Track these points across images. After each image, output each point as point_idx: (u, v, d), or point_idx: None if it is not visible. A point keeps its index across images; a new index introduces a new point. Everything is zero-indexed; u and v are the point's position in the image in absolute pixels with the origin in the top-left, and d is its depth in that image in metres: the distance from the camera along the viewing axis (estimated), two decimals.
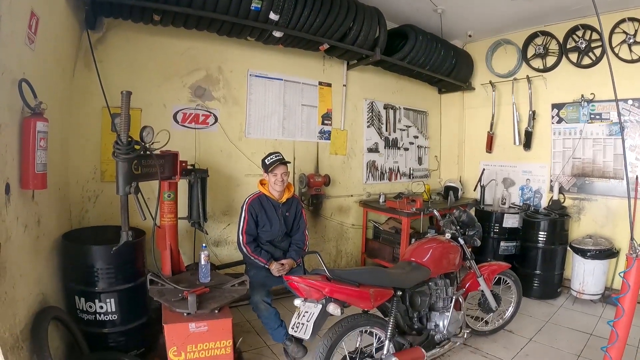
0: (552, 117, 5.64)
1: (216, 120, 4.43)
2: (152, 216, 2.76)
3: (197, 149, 4.28)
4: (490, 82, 6.21)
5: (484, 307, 3.89)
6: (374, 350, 2.87)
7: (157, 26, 3.77)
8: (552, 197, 5.45)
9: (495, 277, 3.94)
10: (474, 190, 6.37)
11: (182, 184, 3.51)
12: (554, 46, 5.53)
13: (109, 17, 3.63)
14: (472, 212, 5.50)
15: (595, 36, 5.08)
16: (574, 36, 5.28)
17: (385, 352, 2.79)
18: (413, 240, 4.12)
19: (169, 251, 3.24)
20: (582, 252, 4.75)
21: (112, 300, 3.03)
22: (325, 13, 4.15)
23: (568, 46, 5.35)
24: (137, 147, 2.56)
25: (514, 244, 5.46)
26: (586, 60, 5.23)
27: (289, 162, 3.80)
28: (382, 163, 6.18)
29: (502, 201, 5.90)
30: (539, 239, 5.07)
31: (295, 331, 2.61)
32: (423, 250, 3.36)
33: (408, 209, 5.08)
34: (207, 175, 3.62)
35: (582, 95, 5.27)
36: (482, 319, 3.98)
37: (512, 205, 5.89)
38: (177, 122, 4.18)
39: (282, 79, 4.95)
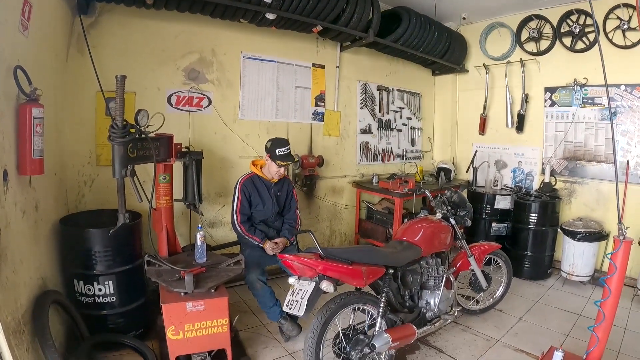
0: (545, 100, 5.67)
1: (210, 102, 4.44)
2: (148, 199, 2.79)
3: (192, 132, 4.30)
4: (484, 64, 6.22)
5: (475, 286, 3.96)
6: (366, 327, 2.93)
7: (149, 10, 3.73)
8: (543, 179, 5.52)
9: (486, 257, 4.01)
10: (467, 172, 6.43)
11: (177, 167, 3.53)
12: (548, 30, 5.52)
13: (101, 1, 3.60)
14: (465, 193, 5.62)
15: (589, 21, 5.08)
16: (568, 20, 5.27)
17: (377, 328, 2.85)
18: (406, 220, 4.18)
19: (165, 233, 3.28)
20: (572, 235, 4.82)
21: (111, 282, 3.09)
22: None
23: (562, 30, 5.35)
24: (132, 130, 2.57)
25: (506, 225, 5.54)
26: (580, 45, 5.24)
27: (296, 160, 3.80)
28: (376, 144, 6.22)
29: (494, 183, 5.98)
30: (530, 220, 5.15)
31: (289, 308, 2.67)
32: (414, 229, 3.41)
33: (401, 190, 5.14)
34: (201, 157, 3.64)
35: (575, 80, 5.29)
36: (473, 298, 4.07)
37: (504, 187, 5.96)
38: (171, 105, 4.19)
39: (275, 61, 4.94)
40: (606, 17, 4.91)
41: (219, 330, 2.83)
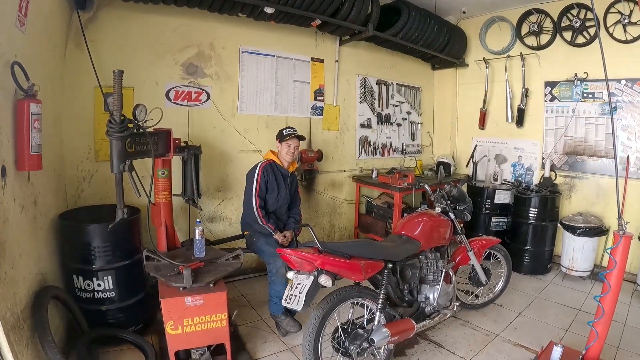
0: (545, 94, 5.65)
1: (209, 97, 4.43)
2: (146, 193, 2.78)
3: (190, 126, 4.29)
4: (484, 59, 6.20)
5: (474, 280, 3.97)
6: (365, 321, 2.93)
7: (147, 4, 3.72)
8: (543, 174, 5.53)
9: (486, 252, 4.02)
10: (467, 166, 6.45)
11: (176, 161, 3.53)
12: (548, 24, 5.49)
13: None
14: (465, 187, 5.61)
15: (590, 15, 5.05)
16: (569, 15, 5.24)
17: (376, 323, 2.85)
18: (405, 214, 4.18)
19: (164, 228, 3.28)
20: (572, 229, 4.83)
21: (110, 277, 3.09)
22: None
23: (562, 24, 5.32)
24: (130, 125, 2.57)
25: (505, 219, 5.54)
26: (580, 39, 5.22)
27: (304, 139, 3.84)
28: (375, 138, 6.21)
29: (494, 177, 5.96)
30: (530, 215, 5.14)
31: (288, 303, 2.67)
32: (414, 224, 3.41)
33: (400, 184, 5.14)
34: (200, 152, 3.62)
35: (576, 74, 5.27)
36: (473, 292, 4.08)
37: (503, 182, 5.95)
38: (169, 99, 4.17)
39: (274, 55, 4.92)
40: (607, 12, 4.87)
41: (218, 325, 2.84)
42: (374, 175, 5.71)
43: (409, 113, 6.65)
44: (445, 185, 3.83)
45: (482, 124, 6.38)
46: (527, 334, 3.64)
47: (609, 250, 2.65)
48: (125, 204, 2.65)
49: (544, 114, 5.70)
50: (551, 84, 5.58)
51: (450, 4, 5.85)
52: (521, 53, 5.75)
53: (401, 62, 6.35)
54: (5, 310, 2.08)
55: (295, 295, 2.65)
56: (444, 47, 5.92)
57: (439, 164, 6.40)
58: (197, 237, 3.12)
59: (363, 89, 5.93)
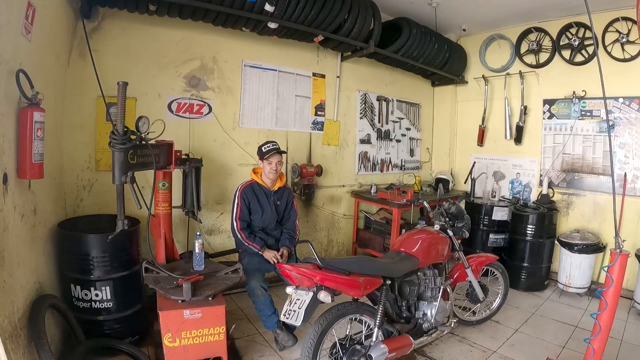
0: (544, 112, 5.70)
1: (210, 110, 4.45)
2: (147, 205, 2.78)
3: (192, 139, 4.31)
4: (483, 76, 6.26)
5: (472, 297, 3.96)
6: (363, 337, 2.93)
7: (152, 16, 3.77)
8: (541, 191, 5.53)
9: (483, 269, 4.01)
10: (465, 182, 6.45)
11: (177, 173, 3.54)
12: (547, 42, 5.57)
13: (104, 6, 3.63)
14: (462, 204, 5.62)
15: (588, 34, 5.12)
16: (568, 33, 5.32)
17: (374, 339, 2.84)
18: (403, 231, 4.18)
19: (163, 239, 3.29)
20: (570, 246, 4.83)
21: (107, 288, 3.08)
22: (320, 5, 4.16)
23: (561, 43, 5.40)
24: (133, 137, 2.58)
25: (503, 236, 5.54)
26: (579, 58, 5.28)
27: (285, 152, 3.82)
28: (374, 154, 6.23)
29: (492, 194, 5.98)
30: (528, 232, 5.15)
31: (287, 318, 2.67)
32: (412, 240, 3.41)
33: (399, 200, 5.13)
34: (201, 165, 3.65)
35: (574, 92, 5.32)
36: (470, 309, 4.07)
37: (501, 199, 5.96)
38: (171, 111, 4.20)
39: (276, 70, 4.97)
40: (605, 30, 4.95)
41: (215, 338, 2.83)
42: (372, 191, 5.71)
43: (408, 129, 6.68)
44: (444, 202, 3.84)
45: (480, 140, 6.42)
46: (524, 350, 3.62)
47: (605, 268, 2.65)
48: (125, 215, 2.66)
49: (542, 131, 5.74)
50: (550, 102, 5.63)
51: (451, 22, 5.93)
52: (520, 71, 5.81)
53: (401, 79, 6.41)
54: (3, 318, 2.07)
55: (295, 311, 2.65)
56: (444, 64, 5.98)
57: (438, 180, 6.43)
58: (197, 250, 3.12)
59: (363, 105, 5.97)
